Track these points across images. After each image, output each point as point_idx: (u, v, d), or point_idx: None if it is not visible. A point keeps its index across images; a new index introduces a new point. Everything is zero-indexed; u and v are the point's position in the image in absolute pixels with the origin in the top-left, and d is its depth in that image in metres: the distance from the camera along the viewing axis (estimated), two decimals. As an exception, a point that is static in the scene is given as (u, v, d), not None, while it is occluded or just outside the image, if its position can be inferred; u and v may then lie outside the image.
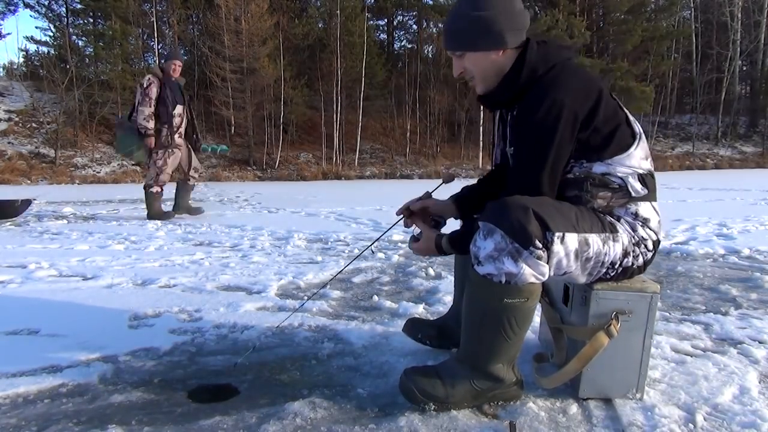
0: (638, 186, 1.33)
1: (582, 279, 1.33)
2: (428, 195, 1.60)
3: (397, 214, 1.60)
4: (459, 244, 1.37)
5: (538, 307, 1.70)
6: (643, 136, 1.37)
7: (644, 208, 1.35)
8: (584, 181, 1.31)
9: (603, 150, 1.30)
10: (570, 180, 1.32)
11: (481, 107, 24.13)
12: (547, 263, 1.21)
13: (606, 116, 1.29)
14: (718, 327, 1.99)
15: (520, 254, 1.19)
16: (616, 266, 1.32)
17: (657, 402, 1.36)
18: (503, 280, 1.21)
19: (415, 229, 1.55)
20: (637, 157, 1.33)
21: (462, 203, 1.58)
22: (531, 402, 1.36)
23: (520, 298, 1.24)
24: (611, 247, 1.29)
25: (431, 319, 1.96)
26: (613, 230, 1.31)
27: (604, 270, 1.31)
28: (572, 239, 1.23)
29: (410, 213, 1.58)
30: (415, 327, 1.73)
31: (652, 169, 1.39)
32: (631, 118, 1.36)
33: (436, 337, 1.71)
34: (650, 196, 1.36)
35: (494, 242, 1.20)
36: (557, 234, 1.20)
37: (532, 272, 1.20)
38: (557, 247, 1.21)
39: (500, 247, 1.20)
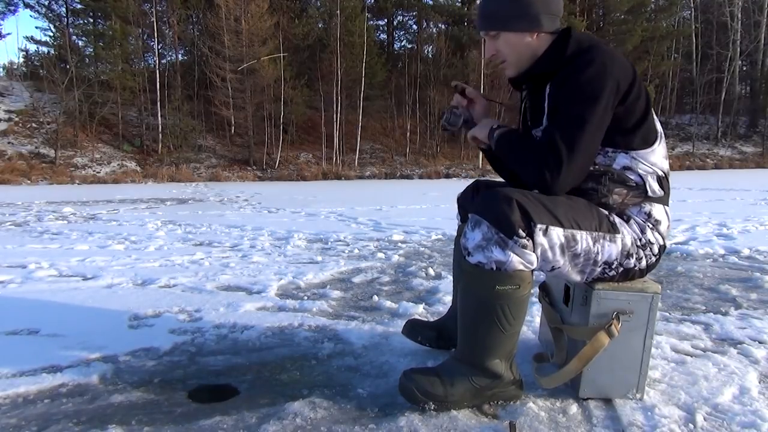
0: (656, 186, 1.34)
1: (576, 276, 1.33)
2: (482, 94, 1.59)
3: (452, 85, 1.59)
4: (505, 140, 1.37)
5: (539, 307, 1.71)
6: (664, 137, 1.38)
7: (657, 210, 1.36)
8: (603, 175, 1.32)
9: (630, 136, 1.30)
10: (590, 172, 1.32)
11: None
12: (533, 252, 1.23)
13: (639, 100, 1.30)
14: (718, 327, 1.98)
15: (506, 243, 1.21)
16: (614, 266, 1.31)
17: (657, 402, 1.36)
18: (494, 267, 1.23)
19: (449, 114, 1.55)
20: (659, 155, 1.34)
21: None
22: (531, 402, 1.36)
23: (512, 285, 1.25)
24: (604, 247, 1.29)
25: (431, 320, 1.96)
26: (612, 230, 1.31)
27: (599, 269, 1.31)
28: (557, 233, 1.24)
29: (463, 93, 1.56)
30: (414, 329, 1.73)
31: (669, 172, 1.39)
32: (656, 118, 1.37)
33: (436, 338, 1.70)
34: (664, 199, 1.38)
35: (482, 233, 1.23)
36: (540, 226, 1.22)
37: (520, 260, 1.23)
38: (540, 238, 1.22)
39: (487, 237, 1.23)
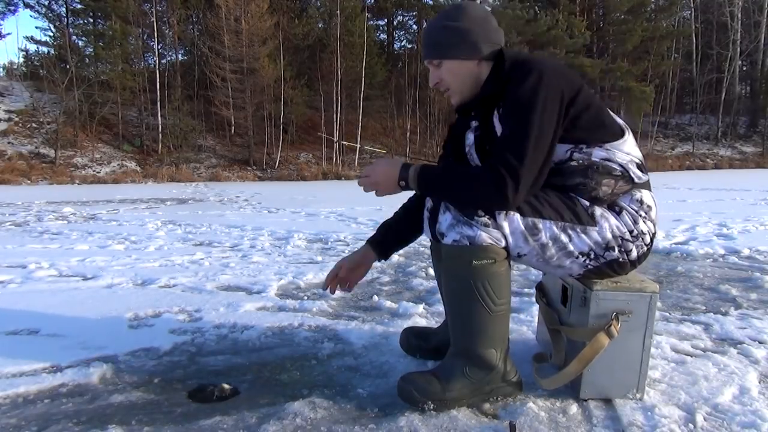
0: (639, 172, 1.37)
1: (555, 270, 1.36)
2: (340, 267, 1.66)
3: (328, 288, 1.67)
4: (431, 179, 1.34)
5: (538, 307, 1.71)
6: (629, 129, 1.41)
7: (647, 196, 1.38)
8: (587, 169, 1.33)
9: (597, 131, 1.32)
10: (573, 168, 1.33)
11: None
12: (497, 230, 1.28)
13: (591, 100, 1.32)
14: (718, 327, 1.98)
15: (470, 223, 1.28)
16: (593, 257, 1.32)
17: (657, 402, 1.36)
18: (467, 243, 1.29)
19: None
20: (631, 144, 1.37)
21: (382, 243, 1.66)
22: (531, 402, 1.36)
23: (487, 258, 1.29)
24: (573, 237, 1.31)
25: (431, 321, 1.96)
26: (585, 222, 1.31)
27: (579, 260, 1.32)
28: (517, 219, 1.28)
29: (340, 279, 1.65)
30: (412, 347, 1.70)
31: (644, 159, 1.42)
32: (613, 114, 1.40)
33: (434, 353, 1.68)
34: (648, 185, 1.41)
35: (451, 215, 1.30)
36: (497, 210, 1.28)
37: (488, 236, 1.28)
38: (501, 221, 1.28)
39: (456, 218, 1.30)
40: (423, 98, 26.38)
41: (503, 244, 1.30)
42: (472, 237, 1.28)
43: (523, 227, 1.29)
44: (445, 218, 1.31)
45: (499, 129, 1.35)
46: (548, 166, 1.29)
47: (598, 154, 1.33)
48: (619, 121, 1.40)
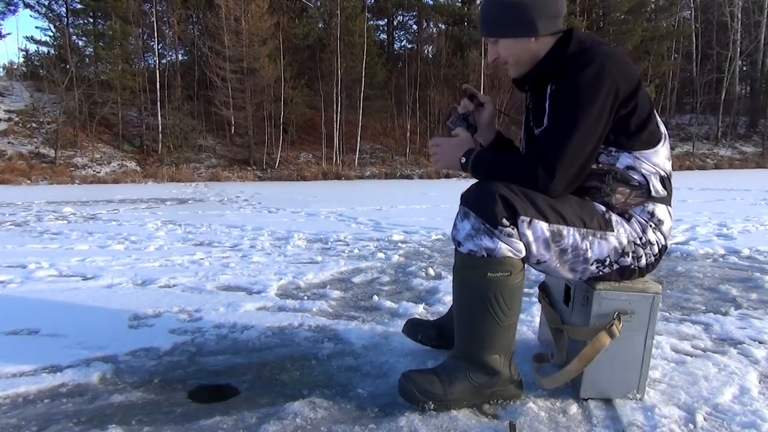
0: (659, 186, 1.35)
1: (569, 274, 1.33)
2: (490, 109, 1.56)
3: (463, 88, 1.58)
4: (482, 166, 1.36)
5: (539, 307, 1.71)
6: (668, 138, 1.38)
7: (660, 210, 1.36)
8: (606, 174, 1.32)
9: (635, 137, 1.30)
10: (593, 170, 1.33)
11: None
12: (520, 240, 1.26)
13: (643, 103, 1.30)
14: (718, 327, 1.98)
15: (492, 232, 1.25)
16: (607, 263, 1.32)
17: (657, 402, 1.36)
18: (484, 254, 1.26)
19: (454, 120, 1.52)
20: (662, 156, 1.35)
21: (502, 137, 1.59)
22: (531, 402, 1.36)
23: (503, 271, 1.27)
24: (594, 244, 1.29)
25: (431, 319, 1.96)
26: (604, 228, 1.31)
27: (593, 267, 1.31)
28: (542, 227, 1.25)
29: (471, 97, 1.54)
30: (414, 328, 1.73)
31: (671, 173, 1.40)
32: (659, 118, 1.37)
33: (436, 337, 1.71)
34: (667, 200, 1.38)
35: (470, 223, 1.27)
36: (523, 218, 1.24)
37: (508, 247, 1.25)
38: (525, 230, 1.25)
39: (476, 227, 1.26)
40: (423, 98, 26.35)
41: (522, 255, 1.28)
42: (491, 249, 1.25)
43: (548, 234, 1.26)
44: (463, 226, 1.28)
45: (547, 107, 1.32)
46: (590, 163, 1.29)
47: (624, 160, 1.32)
48: (662, 128, 1.36)
